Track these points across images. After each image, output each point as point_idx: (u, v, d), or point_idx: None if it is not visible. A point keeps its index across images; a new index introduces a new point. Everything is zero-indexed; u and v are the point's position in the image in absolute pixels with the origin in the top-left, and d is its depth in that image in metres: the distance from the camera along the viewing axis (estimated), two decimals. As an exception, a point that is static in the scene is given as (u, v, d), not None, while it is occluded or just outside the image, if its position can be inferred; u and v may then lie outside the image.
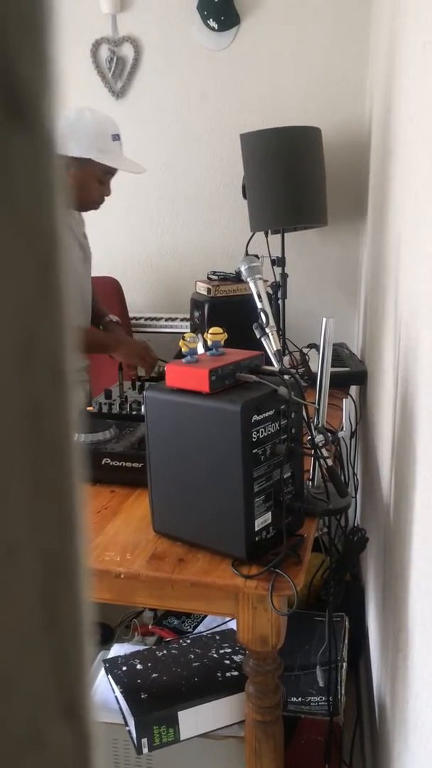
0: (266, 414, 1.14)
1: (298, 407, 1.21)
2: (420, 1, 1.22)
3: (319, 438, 1.31)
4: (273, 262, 2.46)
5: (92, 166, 1.94)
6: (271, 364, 1.32)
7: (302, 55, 2.81)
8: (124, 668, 1.58)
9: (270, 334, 1.38)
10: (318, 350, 1.41)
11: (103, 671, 1.60)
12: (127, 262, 3.11)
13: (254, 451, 1.12)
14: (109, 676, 1.57)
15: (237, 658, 1.58)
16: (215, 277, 2.36)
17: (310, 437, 1.31)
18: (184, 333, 1.45)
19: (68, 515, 0.20)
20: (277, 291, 2.42)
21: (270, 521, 1.18)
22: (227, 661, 1.58)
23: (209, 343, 1.24)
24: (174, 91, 2.94)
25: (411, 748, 1.06)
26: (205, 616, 1.88)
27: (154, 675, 1.54)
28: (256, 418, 1.12)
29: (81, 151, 1.90)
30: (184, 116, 2.96)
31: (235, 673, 1.51)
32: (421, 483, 1.05)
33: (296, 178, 2.43)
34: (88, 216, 2.10)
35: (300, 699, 1.58)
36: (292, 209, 2.47)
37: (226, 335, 1.25)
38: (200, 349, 1.29)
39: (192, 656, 1.61)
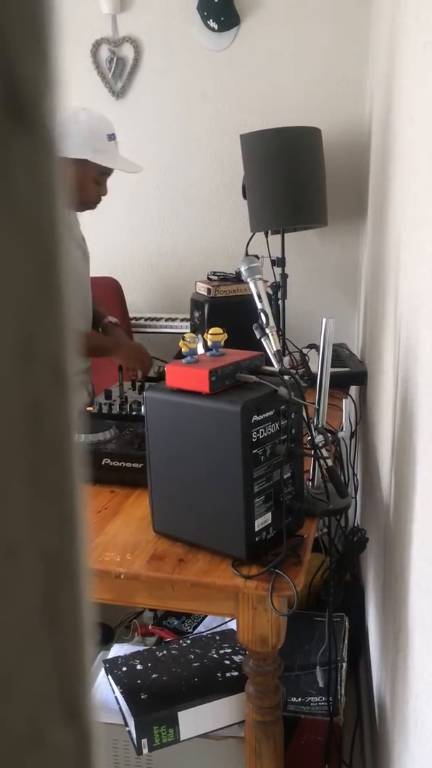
0: (266, 414, 1.14)
1: (298, 408, 1.21)
2: (420, 1, 1.22)
3: (319, 438, 1.31)
4: (273, 263, 2.46)
5: (88, 166, 1.93)
6: (271, 365, 1.32)
7: (302, 56, 2.81)
8: (124, 668, 1.58)
9: (270, 335, 1.38)
10: (318, 351, 1.41)
11: (103, 671, 1.60)
12: (127, 262, 3.11)
13: (254, 451, 1.12)
14: (109, 677, 1.57)
15: (237, 658, 1.58)
16: (215, 278, 2.36)
17: (310, 437, 1.31)
18: (184, 333, 1.45)
19: (68, 515, 0.20)
20: (277, 291, 2.42)
21: (270, 522, 1.18)
22: (227, 662, 1.58)
23: (209, 343, 1.24)
24: (174, 92, 2.94)
25: (411, 748, 1.06)
26: (205, 616, 1.88)
27: (154, 675, 1.54)
28: (256, 418, 1.12)
29: (76, 152, 1.89)
30: (184, 116, 2.96)
31: (235, 674, 1.51)
32: (421, 483, 1.05)
33: (296, 179, 2.43)
34: (89, 216, 2.10)
35: (300, 699, 1.58)
36: (292, 209, 2.47)
37: (226, 336, 1.25)
38: (200, 350, 1.29)
39: (192, 656, 1.61)
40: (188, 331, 2.59)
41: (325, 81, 2.81)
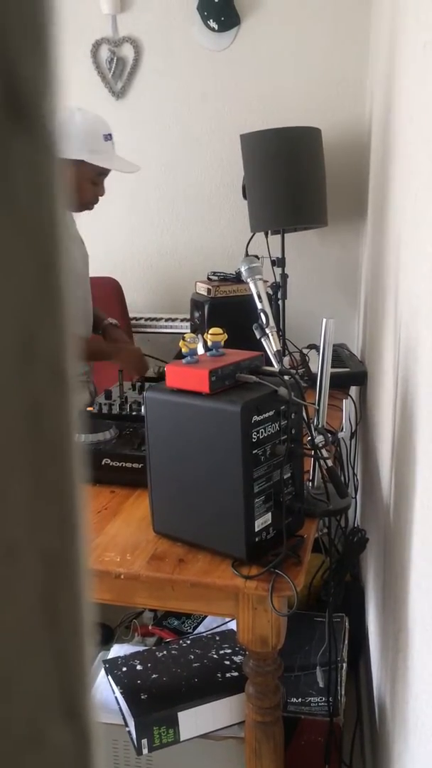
0: (266, 414, 1.14)
1: (298, 408, 1.21)
2: (420, 1, 1.22)
3: (319, 439, 1.31)
4: (273, 263, 2.46)
5: (84, 167, 1.93)
6: (271, 365, 1.32)
7: (302, 56, 2.81)
8: (124, 669, 1.58)
9: (270, 335, 1.38)
10: (318, 351, 1.41)
11: (103, 672, 1.60)
12: (127, 263, 3.11)
13: (254, 451, 1.12)
14: (109, 677, 1.57)
15: (237, 658, 1.58)
16: (215, 278, 2.36)
17: (310, 438, 1.31)
18: (184, 333, 1.45)
19: (68, 515, 0.20)
20: (277, 291, 2.42)
21: (270, 522, 1.18)
22: (227, 662, 1.58)
23: (209, 343, 1.24)
24: (174, 92, 2.94)
25: (411, 748, 1.05)
26: (205, 616, 1.88)
27: (154, 676, 1.54)
28: (256, 418, 1.12)
29: (72, 153, 1.89)
30: (184, 116, 2.96)
31: (235, 674, 1.51)
32: (421, 483, 1.05)
33: (296, 179, 2.43)
34: (89, 216, 2.10)
35: (300, 700, 1.57)
36: (292, 210, 2.47)
37: (226, 336, 1.25)
38: (200, 350, 1.29)
39: (192, 657, 1.61)
40: (188, 331, 2.59)
41: (325, 81, 2.81)
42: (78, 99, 2.81)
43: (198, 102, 2.93)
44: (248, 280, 1.46)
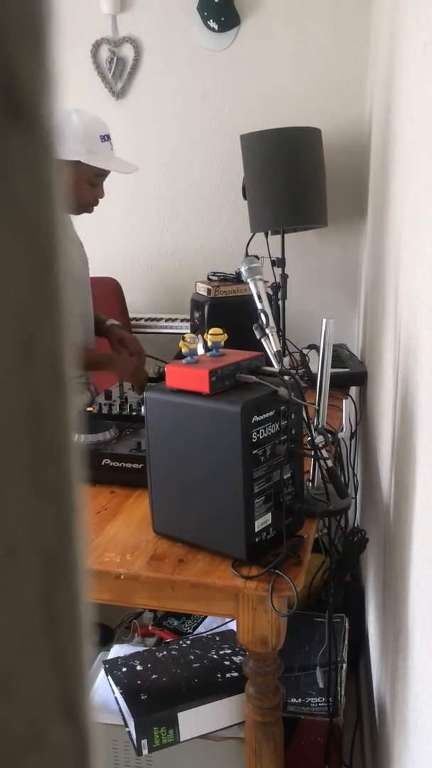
0: (266, 415, 1.14)
1: (298, 408, 1.21)
2: (420, 1, 1.22)
3: (319, 439, 1.31)
4: (273, 263, 2.46)
5: (82, 168, 1.92)
6: (271, 365, 1.32)
7: (302, 56, 2.81)
8: (124, 669, 1.58)
9: (270, 335, 1.38)
10: (318, 351, 1.41)
11: (102, 672, 1.60)
12: (127, 263, 3.11)
13: (254, 451, 1.12)
14: (109, 677, 1.57)
15: (237, 659, 1.58)
16: (215, 278, 2.36)
17: (310, 438, 1.31)
18: (184, 334, 1.45)
19: (68, 515, 0.20)
20: (277, 292, 2.42)
21: (270, 522, 1.17)
22: (227, 662, 1.58)
23: (209, 343, 1.24)
24: (174, 92, 2.94)
25: (411, 748, 1.05)
26: (205, 617, 1.88)
27: (153, 676, 1.54)
28: (256, 418, 1.12)
29: (69, 154, 1.88)
30: (184, 116, 2.96)
31: (235, 674, 1.51)
32: (421, 483, 1.05)
33: (296, 179, 2.43)
34: (89, 216, 2.09)
35: (300, 700, 1.57)
36: (292, 210, 2.47)
37: (226, 336, 1.25)
38: (200, 350, 1.29)
39: (192, 657, 1.61)
40: (188, 331, 2.59)
41: (325, 81, 2.81)
42: (78, 99, 2.82)
43: (198, 102, 2.93)
44: (248, 280, 1.46)
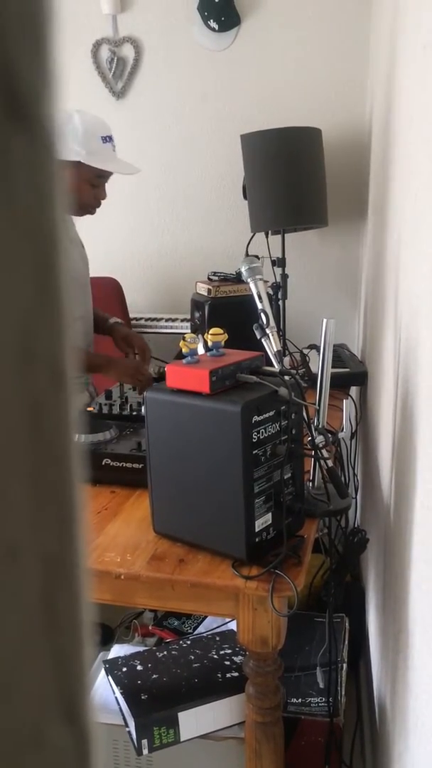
0: (267, 415, 1.14)
1: (298, 408, 1.21)
2: (420, 3, 1.22)
3: (319, 439, 1.31)
4: (273, 263, 2.46)
5: (82, 168, 1.91)
6: (272, 365, 1.32)
7: (303, 56, 2.81)
8: (125, 669, 1.58)
9: (270, 335, 1.38)
10: (318, 351, 1.41)
11: (103, 672, 1.60)
12: (127, 263, 3.11)
13: (254, 451, 1.12)
14: (110, 677, 1.57)
15: (237, 659, 1.58)
16: (215, 278, 2.36)
17: (310, 438, 1.31)
18: (184, 334, 1.45)
19: (68, 516, 0.20)
20: (278, 292, 2.42)
21: (270, 522, 1.17)
22: (227, 662, 1.58)
23: (209, 343, 1.24)
24: (174, 92, 2.94)
25: (411, 748, 1.05)
26: (206, 617, 1.88)
27: (154, 676, 1.54)
28: (256, 418, 1.12)
29: (69, 154, 1.87)
30: (184, 116, 2.96)
31: (236, 674, 1.51)
32: (422, 484, 1.05)
33: (296, 179, 2.43)
34: (88, 216, 2.09)
35: (300, 700, 1.57)
36: (292, 210, 2.47)
37: (226, 336, 1.25)
38: (200, 350, 1.29)
39: (192, 657, 1.60)
40: (188, 331, 2.59)
41: (326, 81, 2.81)
42: (78, 99, 2.82)
43: (198, 102, 2.93)
44: (248, 280, 1.46)
